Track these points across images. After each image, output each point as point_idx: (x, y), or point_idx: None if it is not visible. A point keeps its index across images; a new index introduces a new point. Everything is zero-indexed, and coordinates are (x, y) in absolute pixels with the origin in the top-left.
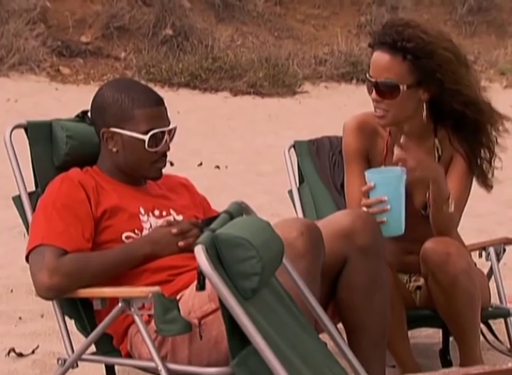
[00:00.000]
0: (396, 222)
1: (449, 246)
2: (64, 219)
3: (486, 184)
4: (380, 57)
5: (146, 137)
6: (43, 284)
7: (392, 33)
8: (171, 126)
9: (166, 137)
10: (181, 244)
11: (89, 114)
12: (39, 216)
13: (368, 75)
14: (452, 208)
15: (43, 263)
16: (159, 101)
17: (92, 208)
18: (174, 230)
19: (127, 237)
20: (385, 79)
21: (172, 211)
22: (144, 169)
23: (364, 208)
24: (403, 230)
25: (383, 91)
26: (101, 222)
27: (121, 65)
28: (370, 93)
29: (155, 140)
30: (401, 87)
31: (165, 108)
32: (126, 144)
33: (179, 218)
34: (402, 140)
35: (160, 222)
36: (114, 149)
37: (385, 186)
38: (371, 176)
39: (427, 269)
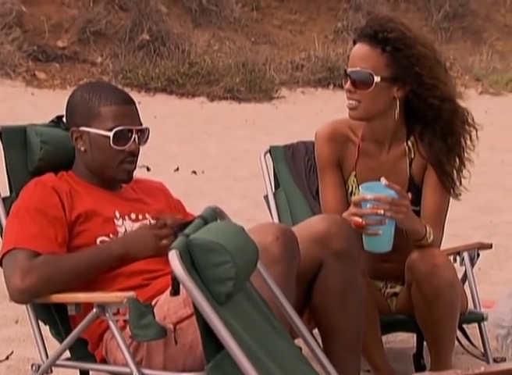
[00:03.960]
0: (384, 239)
1: (437, 257)
2: (37, 223)
3: (454, 192)
4: (359, 48)
5: (110, 134)
6: (15, 287)
7: (374, 25)
8: (140, 127)
9: (134, 136)
10: (165, 242)
11: (64, 119)
12: (12, 221)
13: (345, 68)
14: (431, 238)
15: (15, 266)
16: (127, 100)
17: (66, 212)
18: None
19: (102, 242)
20: (361, 68)
21: (147, 215)
22: (111, 169)
23: (357, 218)
24: (390, 248)
25: (357, 80)
26: (75, 226)
27: (97, 70)
28: (345, 84)
29: (121, 138)
30: (375, 77)
31: (135, 109)
32: (92, 142)
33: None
34: (383, 181)
35: (136, 225)
36: (82, 148)
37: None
38: (367, 189)
39: (412, 278)
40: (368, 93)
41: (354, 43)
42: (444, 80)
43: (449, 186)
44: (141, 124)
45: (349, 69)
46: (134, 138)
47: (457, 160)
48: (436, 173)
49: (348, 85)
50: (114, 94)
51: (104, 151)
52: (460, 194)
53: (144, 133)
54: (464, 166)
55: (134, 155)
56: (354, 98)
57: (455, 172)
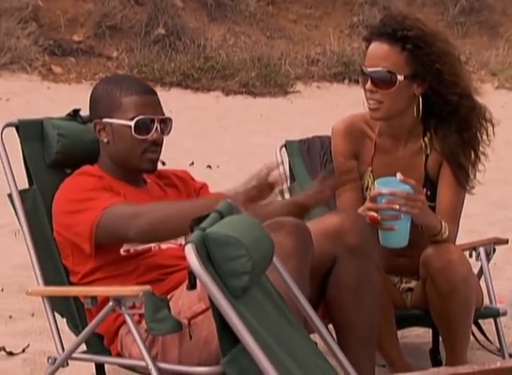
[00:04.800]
0: (400, 234)
1: (452, 253)
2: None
3: (468, 185)
4: (378, 47)
5: (132, 123)
6: (140, 228)
7: (392, 24)
8: (162, 116)
9: (156, 125)
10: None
11: (80, 113)
12: (79, 205)
13: (362, 67)
14: (446, 234)
15: (125, 212)
16: (148, 90)
17: None
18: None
19: (125, 251)
20: (382, 68)
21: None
22: (134, 159)
23: (373, 213)
24: (406, 243)
25: (379, 80)
26: None
27: (113, 64)
28: (364, 84)
29: (143, 127)
30: (398, 76)
31: (157, 99)
32: (115, 132)
33: None
34: (399, 175)
35: None
36: (105, 140)
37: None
38: (382, 184)
39: (427, 274)
40: (390, 92)
41: (367, 40)
42: (463, 76)
43: (463, 179)
44: (163, 114)
45: (369, 69)
46: (156, 127)
47: (472, 154)
48: (450, 166)
49: (369, 85)
50: (135, 85)
51: (126, 141)
52: (473, 187)
53: (166, 123)
54: (479, 160)
55: (157, 144)
56: (376, 98)
57: (470, 165)
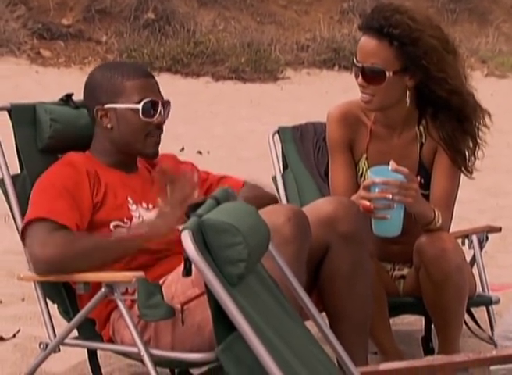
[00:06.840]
0: (394, 223)
1: (445, 241)
2: (65, 200)
3: (467, 170)
4: (367, 42)
5: (139, 106)
6: (36, 258)
7: (380, 19)
8: (164, 99)
9: (160, 108)
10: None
11: (73, 97)
12: (39, 194)
13: (355, 60)
14: (440, 222)
15: (36, 236)
16: (148, 74)
17: (92, 198)
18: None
19: (115, 226)
20: (371, 64)
21: (159, 200)
22: (139, 143)
23: (366, 202)
24: (399, 232)
25: (369, 76)
26: (93, 210)
27: (102, 48)
28: (356, 78)
29: (149, 109)
30: (387, 73)
31: (156, 82)
32: (119, 117)
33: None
34: (391, 165)
35: (150, 214)
36: (108, 125)
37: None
38: (375, 173)
39: (420, 262)
40: (381, 88)
41: (360, 29)
42: (454, 72)
43: (461, 164)
44: (163, 97)
45: (360, 65)
46: (160, 111)
47: (471, 141)
48: (448, 152)
49: (360, 80)
50: (135, 69)
51: (132, 124)
52: (472, 173)
53: (166, 106)
54: (479, 148)
55: (160, 128)
56: (368, 92)
57: (468, 151)
